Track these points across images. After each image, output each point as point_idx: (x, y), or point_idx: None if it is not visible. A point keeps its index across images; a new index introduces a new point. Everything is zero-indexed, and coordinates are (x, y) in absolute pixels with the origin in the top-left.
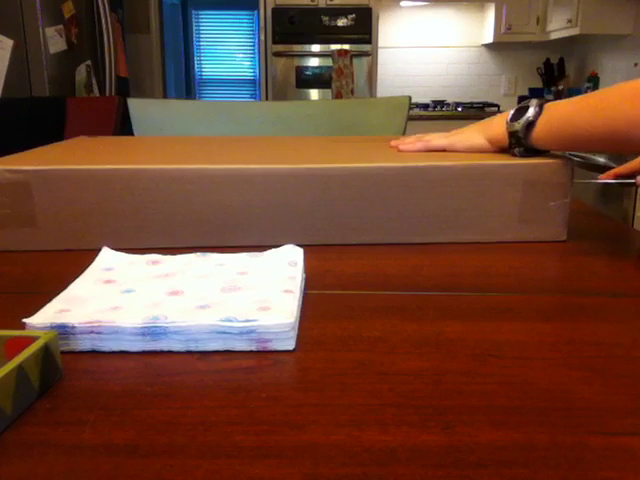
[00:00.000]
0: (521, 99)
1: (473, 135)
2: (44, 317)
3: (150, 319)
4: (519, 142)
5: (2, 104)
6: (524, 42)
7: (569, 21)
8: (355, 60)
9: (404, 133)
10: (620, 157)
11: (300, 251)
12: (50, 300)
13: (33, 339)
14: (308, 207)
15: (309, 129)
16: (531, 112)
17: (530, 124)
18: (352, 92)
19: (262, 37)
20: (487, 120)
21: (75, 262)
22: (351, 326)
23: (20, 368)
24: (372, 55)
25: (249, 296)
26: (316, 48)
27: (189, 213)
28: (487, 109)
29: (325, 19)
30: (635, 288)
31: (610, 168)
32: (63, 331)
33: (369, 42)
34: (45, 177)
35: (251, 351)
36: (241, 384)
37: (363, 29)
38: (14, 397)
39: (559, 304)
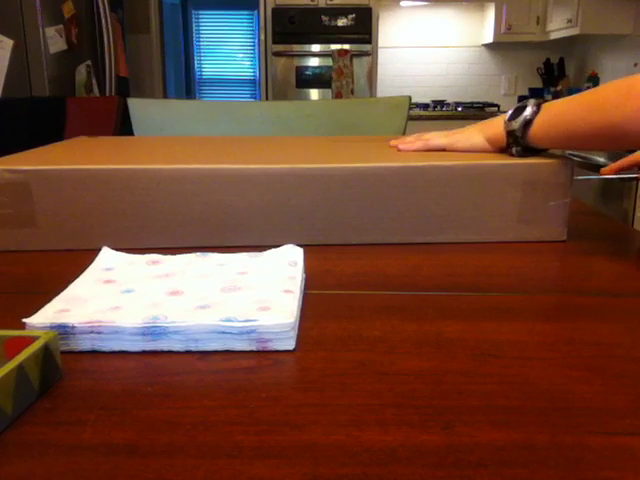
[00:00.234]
0: (521, 99)
1: (473, 135)
2: (44, 317)
3: (150, 319)
4: (517, 141)
5: (2, 104)
6: (524, 42)
7: (569, 21)
8: (355, 60)
9: (404, 133)
10: (619, 156)
11: (300, 251)
12: (50, 300)
13: (33, 339)
14: (308, 207)
15: (309, 129)
16: (528, 111)
17: (527, 123)
18: (352, 92)
19: (262, 37)
20: (487, 120)
21: (75, 262)
22: (351, 326)
23: (20, 368)
24: (372, 55)
25: (249, 296)
26: (316, 48)
27: (189, 213)
28: (487, 109)
29: (325, 19)
30: (635, 288)
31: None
32: (63, 331)
33: (369, 42)
34: (45, 177)
35: (251, 351)
36: (241, 384)
37: (363, 29)
38: (14, 397)
39: (559, 304)
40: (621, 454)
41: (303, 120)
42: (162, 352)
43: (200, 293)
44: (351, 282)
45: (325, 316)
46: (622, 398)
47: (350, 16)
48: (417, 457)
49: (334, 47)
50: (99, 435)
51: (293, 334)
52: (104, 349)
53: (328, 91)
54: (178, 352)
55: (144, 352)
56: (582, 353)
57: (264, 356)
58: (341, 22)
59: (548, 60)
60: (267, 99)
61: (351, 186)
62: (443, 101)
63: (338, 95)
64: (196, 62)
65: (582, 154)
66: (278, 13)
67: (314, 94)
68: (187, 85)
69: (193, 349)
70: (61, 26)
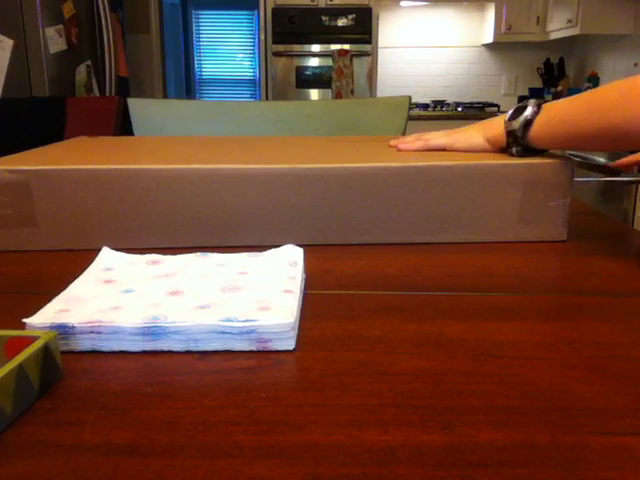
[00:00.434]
0: (521, 99)
1: (473, 135)
2: (44, 317)
3: (150, 319)
4: (517, 141)
5: (2, 104)
6: (524, 42)
7: (569, 21)
8: (355, 60)
9: (404, 133)
10: (619, 156)
11: (300, 251)
12: (50, 300)
13: (33, 339)
14: (308, 207)
15: (309, 129)
16: (529, 111)
17: (528, 123)
18: (352, 92)
19: (262, 37)
20: (487, 120)
21: (75, 262)
22: (351, 326)
23: (20, 368)
24: (372, 55)
25: (249, 296)
26: (316, 48)
27: (189, 213)
28: (487, 109)
29: (325, 19)
30: (635, 288)
31: (610, 168)
32: (63, 331)
33: (369, 42)
34: (45, 177)
35: (251, 351)
36: (241, 384)
37: (363, 29)
38: (14, 397)
39: (559, 304)
40: (621, 454)
41: (303, 120)
42: (162, 352)
43: (200, 293)
44: (351, 282)
45: (325, 316)
46: (622, 398)
47: (350, 16)
48: (417, 457)
49: (334, 47)
50: (99, 435)
51: (293, 334)
52: (104, 349)
53: (328, 91)
54: (178, 352)
55: (144, 352)
56: (582, 353)
57: (264, 356)
58: (341, 22)
59: (548, 60)
60: (267, 99)
61: (351, 186)
62: (443, 101)
63: (338, 95)
64: (196, 62)
65: (582, 154)
66: (278, 13)
67: (314, 94)
68: (187, 85)
69: (193, 349)
70: (61, 26)
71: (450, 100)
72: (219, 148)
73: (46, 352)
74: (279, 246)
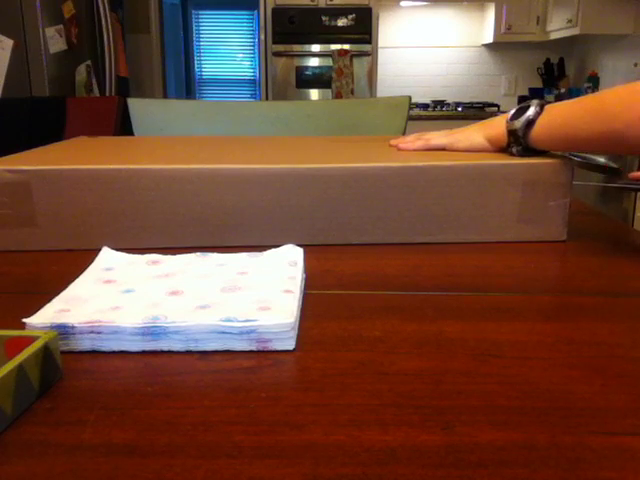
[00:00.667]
0: (521, 99)
1: (473, 134)
2: (44, 317)
3: (150, 319)
4: (518, 141)
5: (2, 104)
6: (524, 42)
7: (569, 21)
8: (355, 60)
9: (404, 133)
10: (619, 157)
11: (300, 251)
12: (50, 300)
13: (33, 339)
14: (308, 207)
15: (309, 129)
16: (531, 111)
17: (530, 123)
18: (352, 92)
19: (262, 37)
20: (487, 120)
21: (75, 262)
22: (351, 326)
23: (20, 368)
24: (372, 55)
25: (249, 296)
26: (316, 48)
27: (189, 213)
28: (487, 109)
29: (325, 19)
30: (635, 288)
31: (610, 168)
32: (63, 331)
33: (369, 42)
34: (45, 177)
35: (251, 351)
36: (241, 384)
37: (363, 29)
38: (14, 397)
39: (559, 304)
40: (621, 454)
41: (303, 120)
42: (162, 352)
43: (200, 293)
44: (351, 282)
45: (325, 316)
46: (622, 398)
47: (350, 16)
48: (417, 457)
49: (334, 47)
50: (99, 435)
51: (293, 334)
52: (104, 349)
53: (328, 91)
54: (178, 352)
55: (144, 352)
56: (582, 353)
57: (264, 356)
58: (341, 22)
59: (548, 60)
60: (267, 99)
61: (351, 186)
62: (443, 101)
63: (338, 95)
64: (196, 62)
65: (582, 155)
66: (278, 13)
67: (314, 94)
68: (187, 85)
69: (193, 349)
70: (61, 26)
71: (450, 100)
72: (219, 148)
73: (46, 352)
74: (279, 246)
